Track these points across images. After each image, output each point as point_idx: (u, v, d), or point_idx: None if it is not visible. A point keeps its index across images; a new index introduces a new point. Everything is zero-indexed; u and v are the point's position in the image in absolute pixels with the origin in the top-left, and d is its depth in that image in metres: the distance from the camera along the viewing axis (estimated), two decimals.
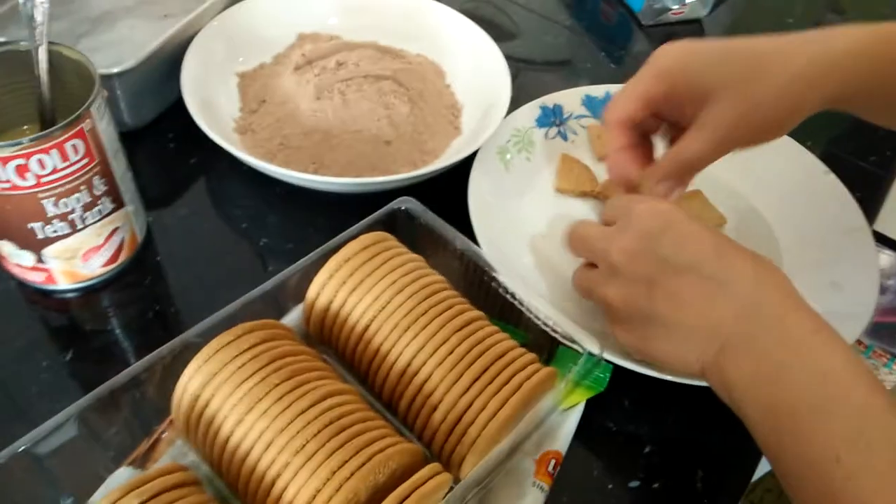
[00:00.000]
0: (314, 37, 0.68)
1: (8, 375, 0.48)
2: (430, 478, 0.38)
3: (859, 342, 1.39)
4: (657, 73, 0.48)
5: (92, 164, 0.46)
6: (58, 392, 0.48)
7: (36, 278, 0.50)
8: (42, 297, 0.52)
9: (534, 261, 0.56)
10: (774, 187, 0.62)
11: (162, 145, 0.63)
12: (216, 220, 0.59)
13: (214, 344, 0.41)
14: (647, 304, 0.43)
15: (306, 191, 0.58)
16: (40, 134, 0.43)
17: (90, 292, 0.53)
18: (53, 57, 0.48)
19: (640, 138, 0.51)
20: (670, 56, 0.48)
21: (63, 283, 0.51)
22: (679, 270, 0.41)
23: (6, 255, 0.49)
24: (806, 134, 0.64)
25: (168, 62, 0.61)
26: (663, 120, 0.51)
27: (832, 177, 0.61)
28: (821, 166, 0.62)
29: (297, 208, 0.59)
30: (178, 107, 0.62)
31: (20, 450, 0.38)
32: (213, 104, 0.60)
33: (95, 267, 0.51)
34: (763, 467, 0.49)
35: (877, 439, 0.34)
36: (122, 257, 0.52)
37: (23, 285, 0.52)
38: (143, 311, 0.52)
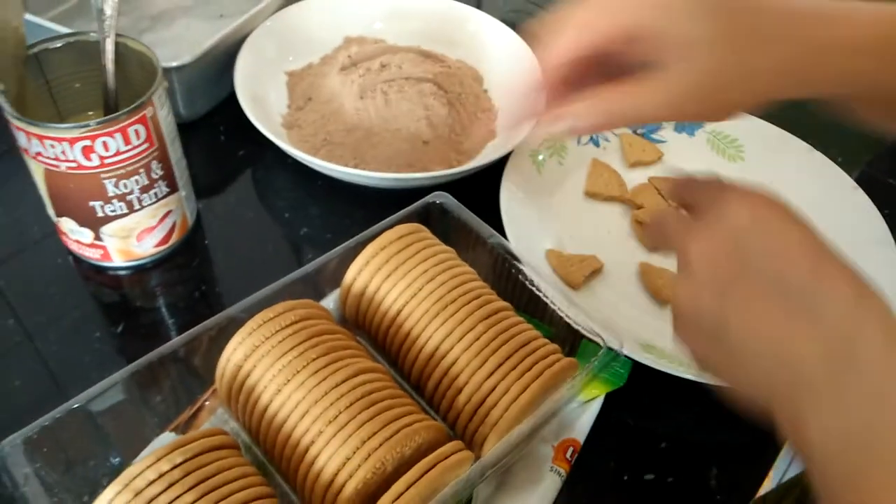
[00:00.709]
0: (360, 40, 0.71)
1: (63, 344, 0.52)
2: (454, 453, 0.40)
3: None
4: (624, 24, 0.37)
5: (151, 149, 0.50)
6: (109, 361, 0.51)
7: (93, 255, 0.54)
8: (96, 273, 0.56)
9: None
10: (800, 199, 0.62)
11: (213, 138, 0.66)
12: (261, 210, 0.62)
13: (258, 319, 0.44)
14: (717, 313, 0.34)
15: (346, 185, 0.61)
16: (106, 118, 0.46)
17: (141, 271, 0.56)
18: (119, 48, 0.51)
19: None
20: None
21: (118, 261, 0.54)
22: (762, 281, 0.33)
23: (67, 231, 0.53)
24: (839, 151, 0.66)
25: (222, 59, 0.64)
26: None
27: (860, 192, 0.62)
28: (849, 181, 0.63)
29: (338, 201, 0.62)
30: (229, 102, 0.66)
31: (74, 406, 0.41)
32: (262, 100, 0.64)
33: (148, 247, 0.54)
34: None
35: None
36: (173, 239, 0.56)
37: (79, 261, 0.56)
38: (191, 291, 0.56)
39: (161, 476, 0.37)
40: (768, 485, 0.54)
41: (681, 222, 0.38)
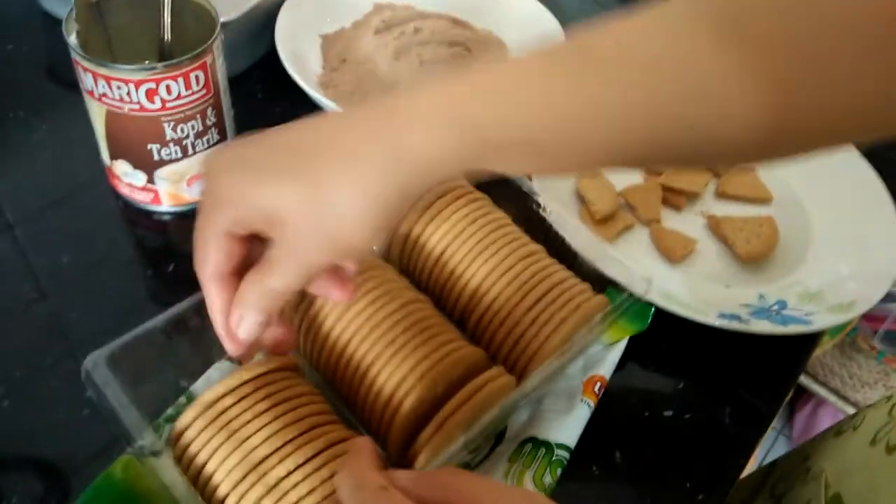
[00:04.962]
0: (389, 6, 0.74)
1: (118, 281, 0.54)
2: (499, 377, 0.44)
3: (872, 347, 1.44)
4: (224, 204, 0.34)
5: (208, 96, 0.52)
6: (163, 295, 0.54)
7: (144, 198, 0.56)
8: (144, 217, 0.58)
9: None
10: (810, 169, 0.67)
11: (251, 95, 0.69)
12: None
13: None
14: None
15: None
16: (171, 62, 0.49)
17: (185, 217, 0.59)
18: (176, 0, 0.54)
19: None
20: (222, 181, 0.34)
21: (167, 205, 0.57)
22: None
23: (120, 174, 0.55)
24: None
25: (261, 19, 0.67)
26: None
27: (864, 163, 0.66)
28: (855, 152, 0.67)
29: None
30: (265, 62, 0.69)
31: (151, 327, 0.43)
32: (300, 59, 0.67)
33: (196, 192, 0.57)
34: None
35: None
36: None
37: (127, 206, 0.58)
38: None
39: (233, 390, 0.40)
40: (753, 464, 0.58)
41: None
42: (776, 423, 1.72)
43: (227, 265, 0.36)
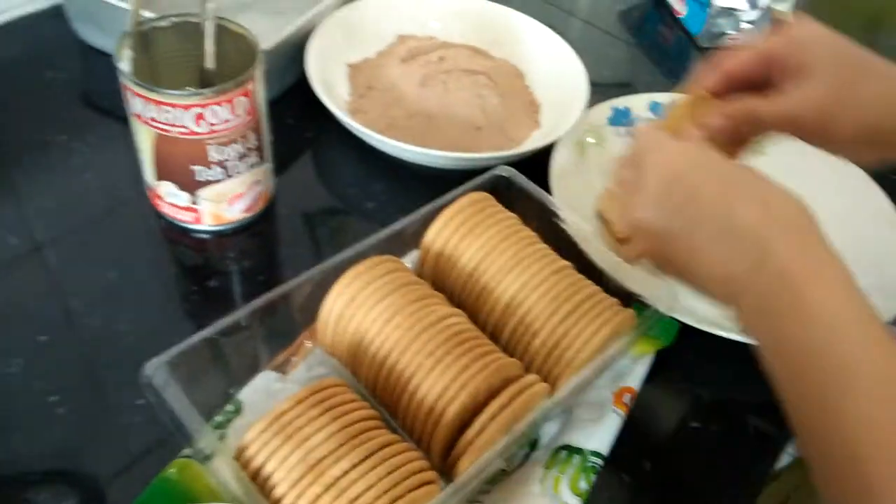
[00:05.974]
0: (412, 37, 0.77)
1: (162, 297, 0.57)
2: (535, 384, 0.46)
3: None
4: (789, 41, 0.48)
5: (250, 121, 0.55)
6: (207, 309, 0.56)
7: (186, 217, 0.59)
8: (183, 236, 0.60)
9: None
10: (820, 190, 0.69)
11: (282, 122, 0.71)
12: (329, 186, 0.67)
13: (352, 272, 0.49)
14: (670, 255, 0.44)
15: (407, 165, 0.66)
16: (218, 88, 0.52)
17: (224, 235, 0.61)
18: (219, 30, 0.56)
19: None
20: (806, 29, 0.49)
21: (208, 224, 0.59)
22: (692, 223, 0.41)
23: (163, 194, 0.57)
24: None
25: (290, 50, 0.70)
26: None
27: (873, 184, 0.69)
28: (863, 174, 0.70)
29: (399, 180, 0.68)
30: (294, 90, 0.72)
31: (205, 336, 0.45)
32: (329, 87, 0.69)
33: (237, 212, 0.59)
34: None
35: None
36: (258, 207, 0.61)
37: (166, 225, 0.60)
38: (273, 253, 0.61)
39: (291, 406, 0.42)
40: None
41: (623, 186, 0.47)
42: None
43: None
